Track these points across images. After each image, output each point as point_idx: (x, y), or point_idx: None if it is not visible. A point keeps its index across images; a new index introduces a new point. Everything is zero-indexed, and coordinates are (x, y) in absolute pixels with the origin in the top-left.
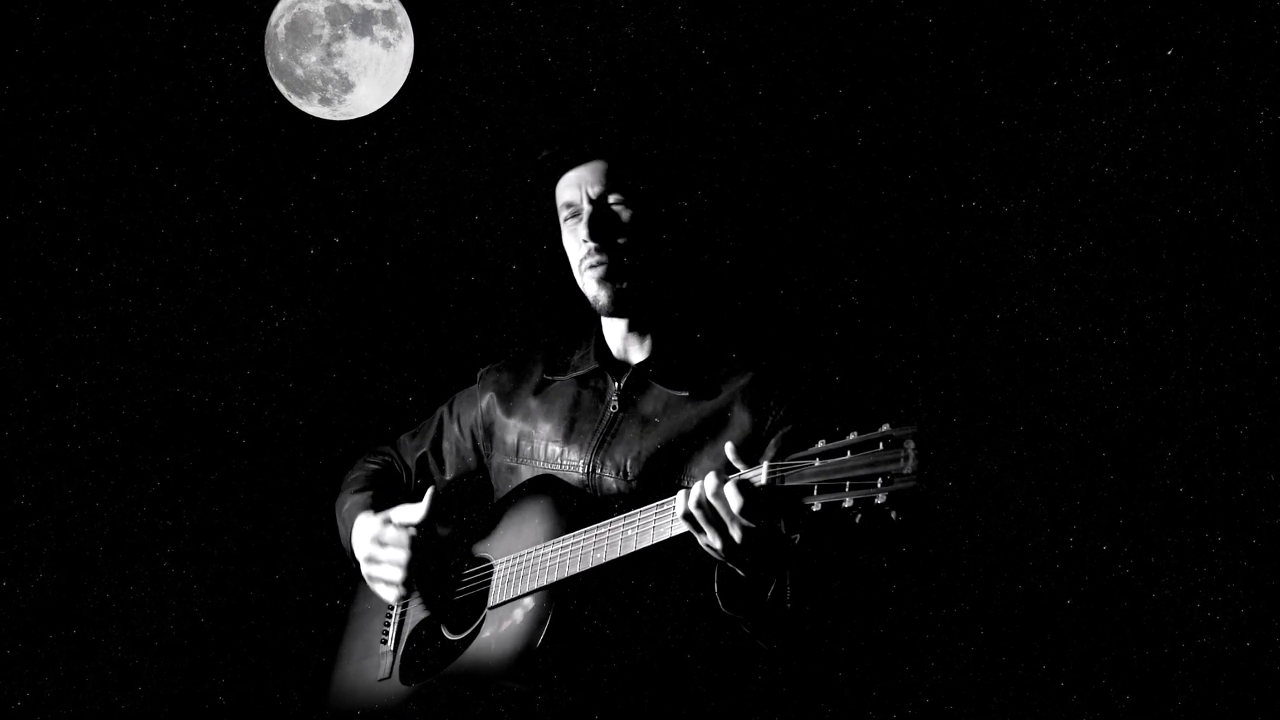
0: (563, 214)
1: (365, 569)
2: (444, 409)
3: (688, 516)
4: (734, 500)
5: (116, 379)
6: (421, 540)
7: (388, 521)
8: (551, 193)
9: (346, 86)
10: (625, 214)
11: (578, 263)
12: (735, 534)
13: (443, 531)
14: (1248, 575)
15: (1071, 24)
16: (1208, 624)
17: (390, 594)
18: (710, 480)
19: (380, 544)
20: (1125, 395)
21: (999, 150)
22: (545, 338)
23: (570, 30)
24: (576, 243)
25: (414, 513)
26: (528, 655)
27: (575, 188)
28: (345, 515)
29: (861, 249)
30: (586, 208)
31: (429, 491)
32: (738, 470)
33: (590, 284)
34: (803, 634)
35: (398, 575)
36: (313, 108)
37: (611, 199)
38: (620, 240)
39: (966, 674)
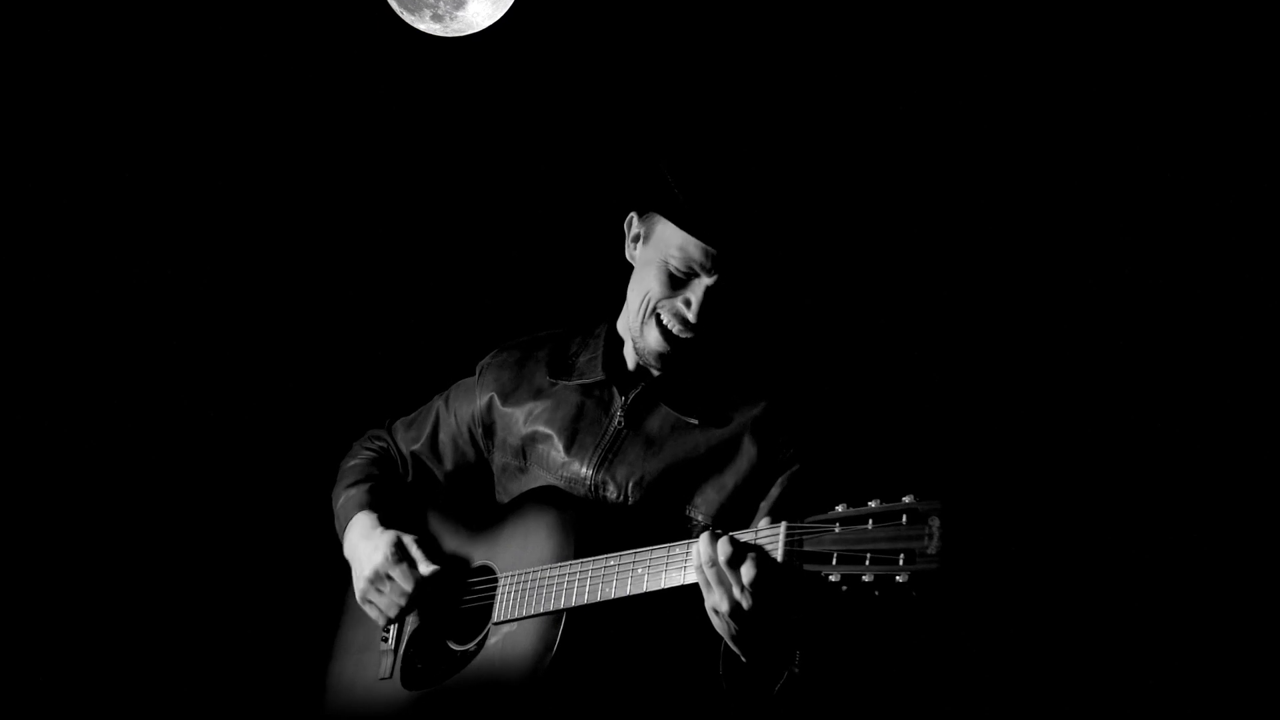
0: (673, 257)
1: (361, 589)
2: (440, 402)
3: (697, 571)
4: (747, 572)
5: (120, 364)
6: (428, 585)
7: (401, 557)
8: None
9: (458, 3)
10: (725, 312)
11: (651, 304)
12: (744, 601)
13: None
14: (1254, 579)
15: (1085, 26)
16: (1214, 627)
17: (380, 621)
18: (723, 545)
19: (387, 578)
20: (1136, 398)
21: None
22: (547, 331)
23: None
24: (667, 293)
25: (427, 566)
26: (536, 674)
27: (705, 254)
28: (341, 510)
29: (874, 259)
30: (706, 281)
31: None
32: (752, 530)
33: (653, 339)
34: (802, 700)
35: (394, 613)
36: (424, 24)
37: (727, 294)
38: (708, 330)
39: (972, 674)
